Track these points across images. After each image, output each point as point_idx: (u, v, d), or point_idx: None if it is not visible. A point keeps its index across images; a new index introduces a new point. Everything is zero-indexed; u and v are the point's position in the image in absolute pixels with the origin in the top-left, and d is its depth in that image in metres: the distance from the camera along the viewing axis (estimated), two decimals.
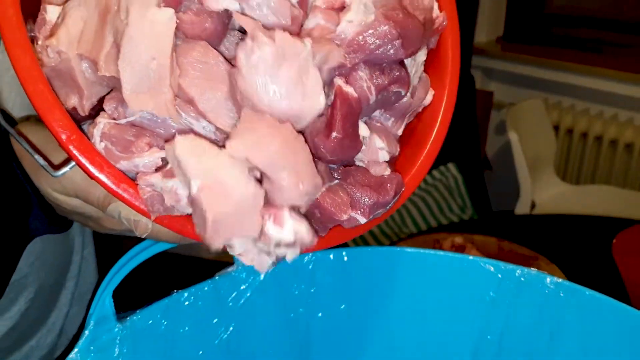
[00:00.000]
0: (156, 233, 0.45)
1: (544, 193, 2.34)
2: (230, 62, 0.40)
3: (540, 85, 2.68)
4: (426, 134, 0.48)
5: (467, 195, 2.28)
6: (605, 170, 2.54)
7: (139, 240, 0.54)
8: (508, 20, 2.79)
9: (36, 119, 0.51)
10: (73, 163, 0.42)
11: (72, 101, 0.40)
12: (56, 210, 0.51)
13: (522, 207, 2.26)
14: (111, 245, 0.84)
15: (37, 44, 0.40)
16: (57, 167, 0.43)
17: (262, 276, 0.60)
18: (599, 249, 1.25)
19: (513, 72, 2.73)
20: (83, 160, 0.38)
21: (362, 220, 0.43)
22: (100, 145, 0.39)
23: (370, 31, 0.39)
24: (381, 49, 0.40)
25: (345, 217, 0.43)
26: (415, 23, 0.41)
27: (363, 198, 0.43)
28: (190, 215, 0.41)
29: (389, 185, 0.43)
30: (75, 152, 0.38)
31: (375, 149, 0.45)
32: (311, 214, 0.42)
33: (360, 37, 0.39)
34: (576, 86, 2.57)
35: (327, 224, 0.43)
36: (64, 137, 0.38)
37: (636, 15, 2.54)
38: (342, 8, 0.40)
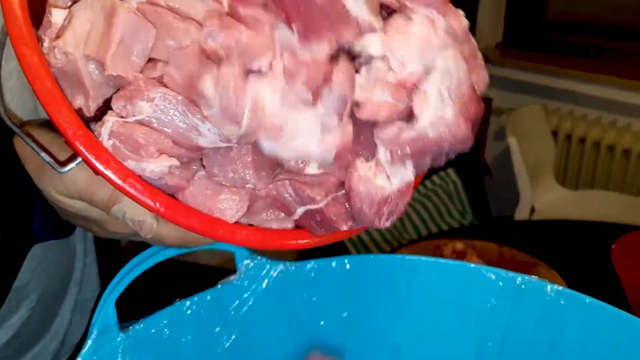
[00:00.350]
0: (160, 235, 0.45)
1: (543, 198, 2.34)
2: None
3: (539, 91, 2.68)
4: None
5: (466, 201, 2.28)
6: (604, 175, 2.55)
7: (141, 248, 0.54)
8: (507, 27, 2.80)
9: (38, 124, 0.51)
10: (79, 159, 0.42)
11: (78, 102, 0.41)
12: (59, 215, 0.51)
13: (521, 213, 2.27)
14: (113, 253, 0.84)
15: (42, 45, 0.41)
16: (63, 164, 0.43)
17: (264, 284, 0.60)
18: (598, 254, 1.25)
19: (512, 78, 2.74)
20: (89, 156, 0.38)
21: (378, 224, 0.44)
22: (108, 143, 0.39)
23: (449, 132, 0.41)
24: (455, 147, 0.42)
25: (345, 227, 0.43)
26: (481, 109, 0.43)
27: None
28: (195, 209, 0.41)
29: None
30: (81, 147, 0.38)
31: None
32: (312, 217, 0.42)
33: (440, 137, 0.41)
34: (575, 92, 2.57)
35: (326, 230, 0.43)
36: (70, 133, 0.38)
37: (634, 22, 2.55)
38: (413, 86, 0.40)
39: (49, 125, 0.47)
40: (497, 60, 2.74)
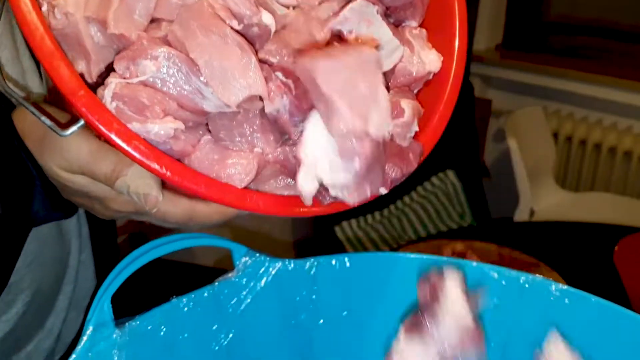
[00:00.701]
0: (163, 212, 0.44)
1: (543, 201, 2.33)
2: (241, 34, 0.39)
3: (539, 92, 2.67)
4: (437, 98, 0.47)
5: (466, 203, 2.27)
6: (605, 177, 2.54)
7: (138, 244, 0.53)
8: (507, 28, 2.79)
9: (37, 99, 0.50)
10: (81, 122, 0.40)
11: (80, 67, 0.39)
12: (61, 193, 0.49)
13: (521, 215, 2.26)
14: (109, 251, 0.83)
15: (41, 9, 0.39)
16: (65, 126, 0.41)
17: (262, 282, 0.59)
18: (600, 256, 1.24)
19: (512, 79, 2.73)
20: (92, 118, 0.37)
21: (384, 191, 0.42)
22: (111, 106, 0.37)
23: None
24: None
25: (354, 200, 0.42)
26: None
27: (388, 171, 0.42)
28: (202, 173, 0.40)
29: (411, 155, 0.43)
30: (83, 108, 0.37)
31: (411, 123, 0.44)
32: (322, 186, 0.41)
33: None
34: (575, 94, 2.57)
35: (336, 199, 0.42)
36: (72, 94, 0.37)
37: (634, 24, 2.55)
38: None
39: (48, 99, 0.45)
40: (497, 62, 2.73)
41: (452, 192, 2.26)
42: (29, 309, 0.68)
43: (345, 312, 0.62)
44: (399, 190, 2.26)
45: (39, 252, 0.65)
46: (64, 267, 0.73)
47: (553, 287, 0.55)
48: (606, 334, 0.53)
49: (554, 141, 2.54)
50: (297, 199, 0.43)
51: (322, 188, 0.42)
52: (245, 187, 0.41)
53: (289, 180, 0.43)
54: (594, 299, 0.53)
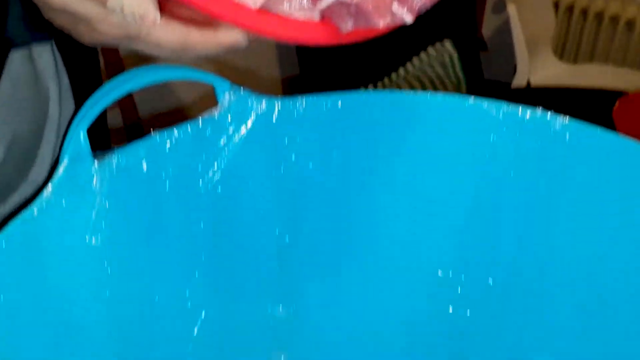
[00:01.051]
0: (157, 38, 0.40)
1: (540, 72, 2.28)
2: None
3: None
4: None
5: (461, 73, 2.23)
6: (605, 49, 2.48)
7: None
8: None
9: None
10: None
11: None
12: (42, 12, 0.44)
13: (518, 83, 2.22)
14: None
15: None
16: None
17: (249, 122, 0.56)
18: (598, 118, 1.22)
19: None
20: None
21: (409, 19, 0.39)
22: None
23: None
24: None
25: (382, 23, 0.38)
26: None
27: None
28: None
29: None
30: None
31: None
32: (346, 6, 0.38)
33: None
34: None
35: (359, 24, 0.39)
36: None
37: None
38: None
39: None
40: None
41: (448, 62, 2.21)
42: (9, 156, 0.66)
43: (337, 156, 0.60)
44: (394, 62, 2.21)
45: (13, 92, 0.62)
46: (43, 114, 0.70)
47: (554, 120, 0.52)
48: (609, 166, 0.51)
49: (555, 11, 2.47)
50: (313, 24, 0.39)
51: (346, 11, 0.38)
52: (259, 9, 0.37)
53: (304, 1, 0.39)
54: (597, 130, 0.51)
